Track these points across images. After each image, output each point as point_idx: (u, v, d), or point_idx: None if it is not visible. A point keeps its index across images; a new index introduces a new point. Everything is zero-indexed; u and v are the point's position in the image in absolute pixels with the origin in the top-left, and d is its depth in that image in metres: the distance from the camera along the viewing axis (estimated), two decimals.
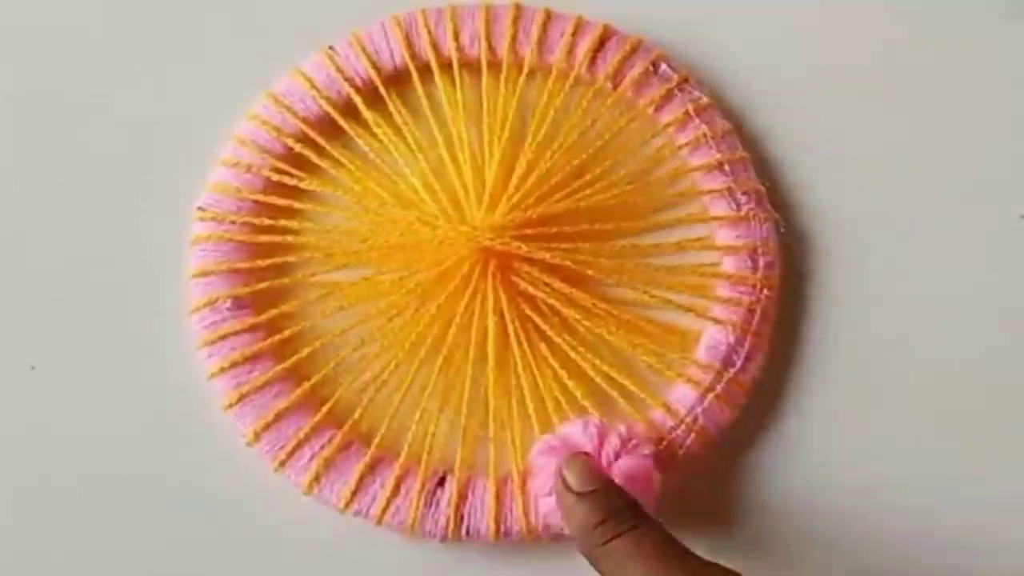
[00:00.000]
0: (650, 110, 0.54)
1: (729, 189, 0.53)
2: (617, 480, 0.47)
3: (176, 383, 0.51)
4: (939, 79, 0.56)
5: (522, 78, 0.54)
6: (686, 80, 0.54)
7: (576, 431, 0.48)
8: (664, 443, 0.50)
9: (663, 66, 0.54)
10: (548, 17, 0.54)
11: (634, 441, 0.48)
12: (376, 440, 0.50)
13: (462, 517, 0.49)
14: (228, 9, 0.55)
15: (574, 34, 0.54)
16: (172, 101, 0.54)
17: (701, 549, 0.43)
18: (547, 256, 0.51)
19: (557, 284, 0.51)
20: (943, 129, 0.55)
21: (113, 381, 0.51)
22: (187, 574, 0.51)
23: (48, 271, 0.52)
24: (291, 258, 0.52)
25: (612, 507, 0.44)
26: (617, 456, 0.47)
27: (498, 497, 0.49)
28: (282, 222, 0.52)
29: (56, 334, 0.52)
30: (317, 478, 0.49)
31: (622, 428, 0.48)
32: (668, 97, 0.54)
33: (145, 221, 0.53)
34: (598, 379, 0.51)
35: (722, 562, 0.42)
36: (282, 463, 0.49)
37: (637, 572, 0.42)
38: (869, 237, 0.54)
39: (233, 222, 0.52)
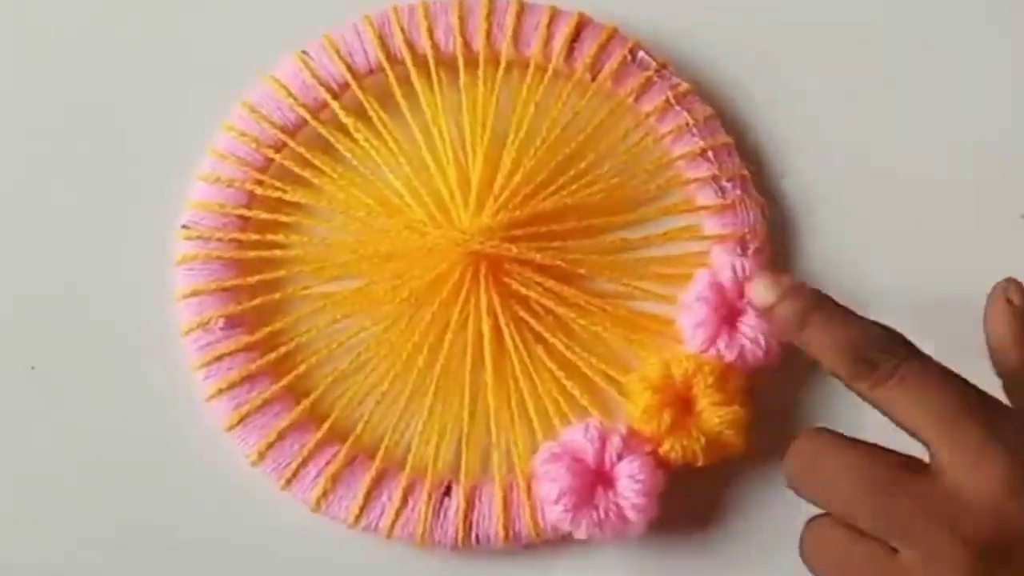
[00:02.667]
0: (630, 100, 0.53)
1: (714, 177, 0.53)
2: (619, 482, 0.48)
3: (179, 383, 0.51)
4: (935, 70, 0.56)
5: (500, 73, 0.53)
6: (664, 67, 0.54)
7: (578, 435, 0.48)
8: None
9: (640, 53, 0.54)
10: (521, 8, 0.53)
11: (636, 440, 0.49)
12: (380, 453, 0.50)
13: (471, 525, 0.49)
14: (196, 14, 0.55)
15: (549, 25, 0.53)
16: (150, 102, 0.54)
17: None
18: (537, 256, 0.51)
19: (549, 283, 0.51)
20: (941, 124, 0.55)
21: (114, 384, 0.51)
22: (183, 564, 0.51)
23: (48, 271, 0.52)
24: (281, 272, 0.52)
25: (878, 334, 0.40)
26: (620, 457, 0.48)
27: (506, 503, 0.49)
28: (269, 236, 0.52)
29: (56, 334, 0.51)
30: (325, 494, 0.49)
31: (623, 428, 0.49)
32: (647, 86, 0.53)
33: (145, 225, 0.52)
34: (596, 378, 0.51)
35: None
36: (288, 481, 0.50)
37: (934, 405, 0.38)
38: (861, 228, 0.54)
39: (219, 239, 0.51)
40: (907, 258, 0.54)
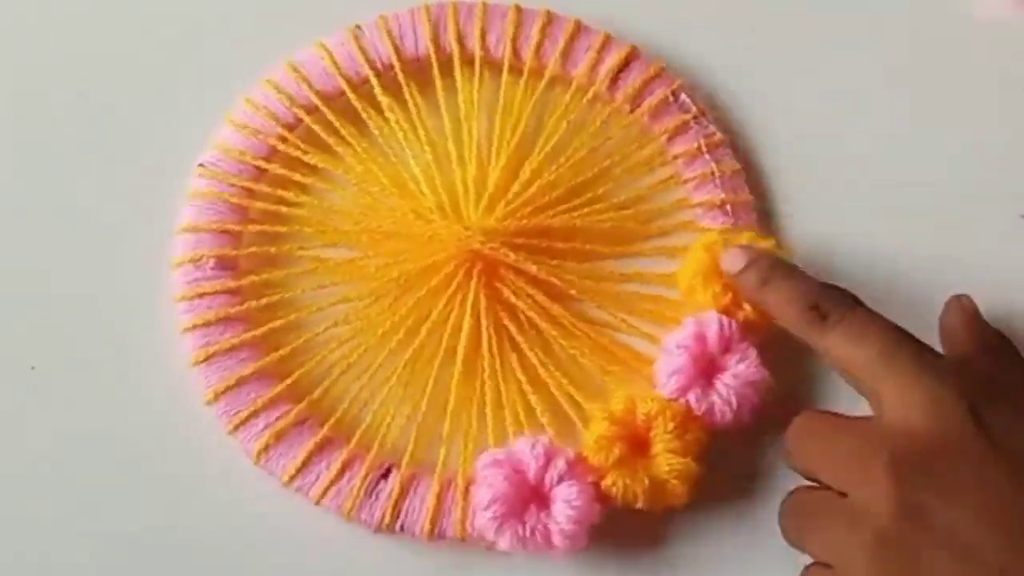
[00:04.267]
0: (663, 138, 0.53)
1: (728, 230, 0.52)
2: (554, 504, 0.47)
3: (179, 383, 0.51)
4: (935, 70, 0.56)
5: (542, 85, 0.54)
6: (703, 114, 0.54)
7: (524, 448, 0.48)
8: None
9: (683, 96, 0.54)
10: (577, 29, 0.54)
11: (581, 467, 0.48)
12: (331, 421, 0.50)
13: (399, 512, 0.49)
14: (202, 10, 0.56)
15: (600, 50, 0.54)
16: (150, 102, 0.54)
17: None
18: (533, 268, 0.51)
19: (540, 297, 0.51)
20: (942, 129, 0.55)
21: (114, 384, 0.51)
22: (184, 565, 0.50)
23: (48, 271, 0.52)
24: (282, 228, 0.52)
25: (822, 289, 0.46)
26: (560, 480, 0.47)
27: (439, 498, 0.49)
28: (279, 191, 0.52)
29: (56, 334, 0.51)
30: (267, 448, 0.49)
31: (571, 453, 0.48)
32: (683, 129, 0.53)
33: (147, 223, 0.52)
34: (561, 399, 0.50)
35: None
36: (236, 427, 0.49)
37: (874, 345, 0.43)
38: (862, 228, 0.54)
39: (232, 184, 0.52)
40: (907, 258, 0.53)
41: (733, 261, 0.48)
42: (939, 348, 0.47)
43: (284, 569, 0.50)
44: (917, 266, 0.53)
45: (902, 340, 0.43)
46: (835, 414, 0.44)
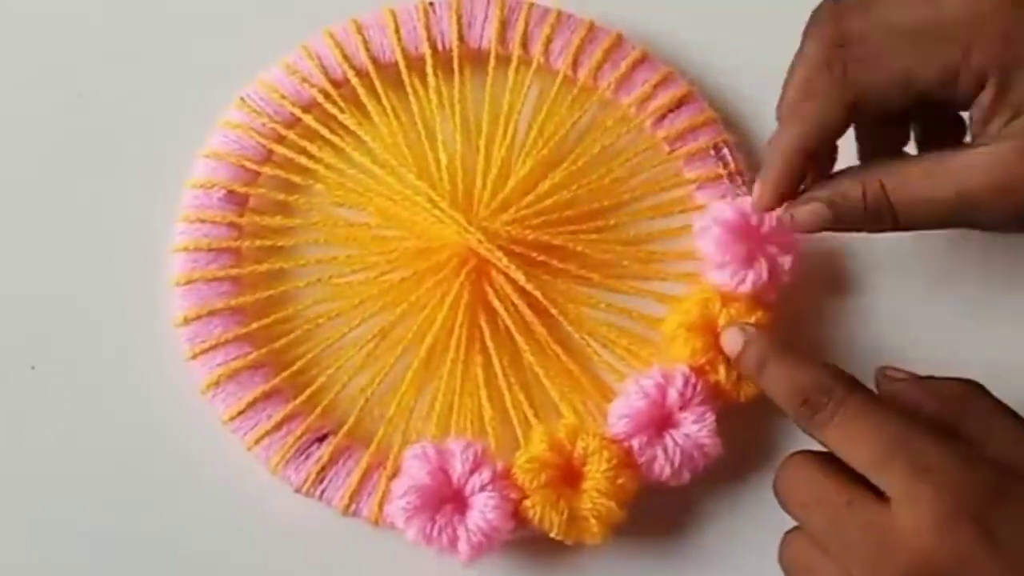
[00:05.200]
0: (692, 187, 0.53)
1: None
2: (469, 511, 0.46)
3: (178, 383, 0.51)
4: None
5: (591, 104, 0.53)
6: (740, 173, 0.53)
7: (456, 449, 0.47)
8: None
9: (724, 150, 0.53)
10: (642, 59, 0.54)
11: (506, 482, 0.47)
12: (285, 374, 0.50)
13: (322, 479, 0.48)
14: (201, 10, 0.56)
15: (656, 85, 0.53)
16: (150, 102, 0.54)
17: None
18: (522, 278, 0.50)
19: (522, 308, 0.51)
20: None
21: (114, 384, 0.51)
22: (184, 565, 0.50)
23: (48, 271, 0.52)
24: (297, 178, 0.52)
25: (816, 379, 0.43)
26: (483, 488, 0.47)
27: (364, 476, 0.48)
28: (304, 143, 0.52)
29: (56, 334, 0.51)
30: (217, 383, 0.49)
31: (501, 466, 0.47)
32: (714, 179, 0.53)
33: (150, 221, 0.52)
34: (513, 412, 0.50)
35: None
36: (195, 356, 0.50)
37: (867, 446, 0.41)
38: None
39: (264, 124, 0.52)
40: (907, 258, 0.53)
41: (731, 341, 0.47)
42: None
43: (285, 565, 0.50)
44: (917, 265, 0.53)
45: (897, 442, 0.41)
46: (831, 468, 0.42)
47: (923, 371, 0.44)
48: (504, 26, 0.54)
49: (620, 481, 0.47)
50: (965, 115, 0.45)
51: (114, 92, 0.54)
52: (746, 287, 0.49)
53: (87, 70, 0.54)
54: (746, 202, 0.50)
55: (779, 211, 0.46)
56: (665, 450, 0.47)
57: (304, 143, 0.52)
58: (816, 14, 0.45)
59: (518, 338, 0.50)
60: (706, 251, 0.50)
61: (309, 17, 0.54)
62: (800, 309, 0.52)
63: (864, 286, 0.53)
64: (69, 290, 0.52)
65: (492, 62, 0.53)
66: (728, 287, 0.49)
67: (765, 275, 0.49)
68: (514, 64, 0.53)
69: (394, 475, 0.48)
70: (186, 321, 0.50)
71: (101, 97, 0.54)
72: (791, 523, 0.42)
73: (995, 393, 0.43)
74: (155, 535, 0.50)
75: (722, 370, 0.48)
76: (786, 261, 0.50)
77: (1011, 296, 0.53)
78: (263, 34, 0.54)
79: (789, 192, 0.46)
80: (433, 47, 0.53)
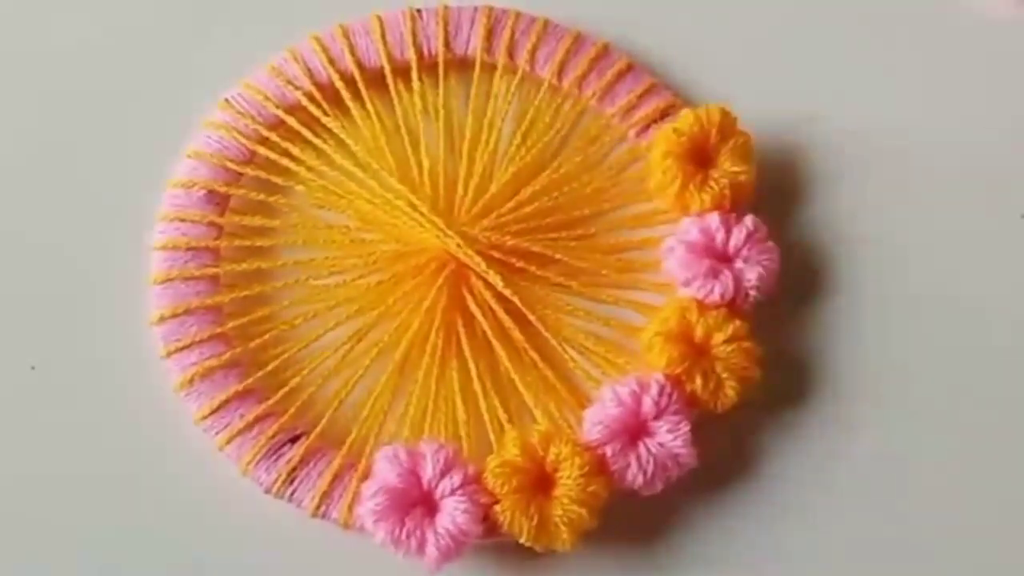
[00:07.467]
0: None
1: None
2: (439, 514, 0.46)
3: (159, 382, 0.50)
4: (935, 70, 0.55)
5: (576, 113, 0.54)
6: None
7: (428, 452, 0.47)
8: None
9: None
10: (628, 69, 0.54)
11: (476, 487, 0.47)
12: (259, 374, 0.50)
13: (292, 480, 0.48)
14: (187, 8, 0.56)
15: (642, 95, 0.54)
16: (150, 103, 0.54)
17: None
18: (499, 283, 0.50)
19: (500, 314, 0.50)
20: (941, 124, 0.54)
21: (113, 384, 0.51)
22: (184, 565, 0.49)
23: (48, 271, 0.52)
24: (279, 180, 0.52)
25: None
26: (453, 492, 0.46)
27: (335, 478, 0.48)
28: (287, 144, 0.52)
29: (56, 334, 0.51)
30: (191, 382, 0.49)
31: (472, 470, 0.47)
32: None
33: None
34: (487, 416, 0.49)
35: None
36: (169, 354, 0.50)
37: None
38: (862, 229, 0.53)
39: (246, 125, 0.52)
40: (907, 258, 0.52)
41: None
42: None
43: (255, 567, 0.49)
44: (916, 266, 0.52)
45: None
46: None
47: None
48: (490, 34, 0.54)
49: (592, 488, 0.46)
50: None
51: (100, 92, 0.54)
52: (714, 299, 0.49)
53: (73, 69, 0.54)
54: (712, 218, 0.50)
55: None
56: (638, 458, 0.47)
57: (287, 145, 0.52)
58: None
59: (495, 344, 0.50)
60: (671, 271, 0.50)
61: (296, 22, 0.54)
62: (780, 317, 0.52)
63: (845, 292, 0.52)
64: (69, 290, 0.52)
65: (477, 69, 0.53)
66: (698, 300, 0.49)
67: (731, 289, 0.49)
68: (499, 72, 0.54)
69: (365, 477, 0.48)
70: (162, 319, 0.50)
71: (87, 97, 0.54)
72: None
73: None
74: (155, 533, 0.49)
75: (699, 380, 0.48)
76: (753, 274, 0.49)
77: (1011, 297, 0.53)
78: (252, 38, 0.55)
79: None
80: (419, 53, 0.54)
